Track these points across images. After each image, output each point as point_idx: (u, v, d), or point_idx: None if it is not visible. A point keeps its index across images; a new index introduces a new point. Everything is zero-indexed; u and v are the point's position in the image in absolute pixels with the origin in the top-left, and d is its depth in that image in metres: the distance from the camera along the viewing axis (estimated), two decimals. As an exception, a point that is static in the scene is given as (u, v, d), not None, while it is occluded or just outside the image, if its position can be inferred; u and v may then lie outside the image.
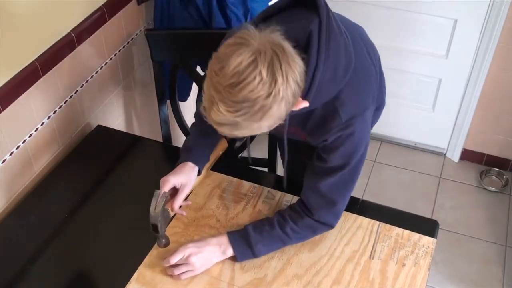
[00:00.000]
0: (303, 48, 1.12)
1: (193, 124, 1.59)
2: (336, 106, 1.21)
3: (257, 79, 0.99)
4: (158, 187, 1.38)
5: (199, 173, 1.49)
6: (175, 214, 1.48)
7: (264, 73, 0.99)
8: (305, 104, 1.14)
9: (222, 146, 1.63)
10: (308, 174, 1.37)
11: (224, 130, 1.07)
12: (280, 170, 1.99)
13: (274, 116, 1.05)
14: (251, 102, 1.00)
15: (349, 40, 1.21)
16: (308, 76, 1.11)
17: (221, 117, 1.03)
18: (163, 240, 1.37)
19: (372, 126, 1.58)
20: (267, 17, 1.21)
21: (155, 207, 1.31)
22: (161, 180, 1.39)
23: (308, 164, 1.38)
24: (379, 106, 1.52)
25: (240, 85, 0.99)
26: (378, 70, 1.42)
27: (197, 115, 1.57)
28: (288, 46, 1.05)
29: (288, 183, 1.52)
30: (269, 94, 1.00)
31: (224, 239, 1.37)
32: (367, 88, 1.29)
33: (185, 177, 1.42)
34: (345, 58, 1.18)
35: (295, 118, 1.22)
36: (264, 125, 1.06)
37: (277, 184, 1.60)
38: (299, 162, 1.47)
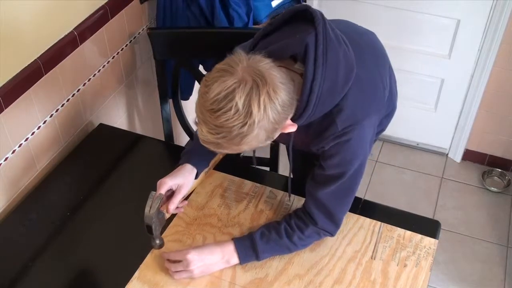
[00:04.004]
0: (302, 61, 1.15)
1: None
2: (334, 114, 1.22)
3: (233, 110, 1.04)
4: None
5: (197, 177, 1.48)
6: (176, 214, 1.48)
7: (240, 105, 1.04)
8: (293, 127, 1.18)
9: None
10: (309, 182, 1.37)
11: (209, 147, 1.13)
12: (281, 170, 1.99)
13: (253, 141, 1.09)
14: (228, 129, 1.06)
15: (349, 50, 1.21)
16: (306, 88, 1.13)
17: (204, 136, 1.10)
18: (157, 242, 1.37)
19: (381, 132, 1.57)
20: (267, 34, 1.25)
21: (150, 208, 1.31)
22: (158, 182, 1.39)
23: (311, 172, 1.38)
24: (390, 112, 1.52)
25: (218, 113, 1.05)
26: (387, 77, 1.41)
27: None
28: (273, 75, 1.08)
29: (293, 184, 1.52)
30: (244, 124, 1.05)
31: (229, 248, 1.36)
32: (370, 97, 1.29)
33: (182, 179, 1.41)
34: (344, 68, 1.19)
35: (297, 128, 1.23)
36: (244, 148, 1.11)
37: (279, 183, 1.60)
38: (306, 169, 1.46)
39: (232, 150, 1.12)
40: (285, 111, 1.10)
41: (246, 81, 1.05)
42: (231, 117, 1.04)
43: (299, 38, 1.15)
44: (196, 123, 1.12)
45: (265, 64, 1.09)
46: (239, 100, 1.03)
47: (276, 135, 1.16)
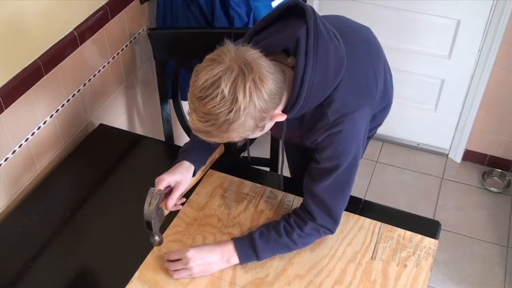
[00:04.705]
0: (294, 55, 1.18)
1: None
2: (325, 106, 1.25)
3: (219, 96, 1.07)
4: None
5: (194, 174, 1.49)
6: (176, 214, 1.48)
7: (226, 91, 1.07)
8: (282, 117, 1.19)
9: (219, 150, 1.63)
10: (306, 178, 1.38)
11: (201, 136, 1.15)
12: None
13: (240, 129, 1.12)
14: (215, 115, 1.09)
15: (340, 44, 1.24)
16: (297, 81, 1.16)
17: (194, 125, 1.13)
18: (157, 238, 1.37)
19: (377, 127, 1.58)
20: (260, 30, 1.28)
21: (149, 204, 1.32)
22: (156, 179, 1.39)
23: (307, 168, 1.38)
24: (386, 106, 1.52)
25: (205, 100, 1.09)
26: (382, 71, 1.42)
27: None
28: (260, 64, 1.11)
29: (288, 183, 1.52)
30: (230, 110, 1.08)
31: (229, 248, 1.36)
32: (361, 90, 1.31)
33: (180, 176, 1.42)
34: (335, 61, 1.21)
35: (291, 122, 1.25)
36: (233, 136, 1.14)
37: (279, 183, 1.59)
38: (305, 165, 1.47)
39: (222, 138, 1.14)
40: (272, 99, 1.13)
41: (233, 69, 1.08)
42: (217, 103, 1.07)
43: (290, 32, 1.18)
44: (188, 114, 1.15)
45: (253, 54, 1.12)
46: (225, 87, 1.07)
47: (267, 125, 1.18)
